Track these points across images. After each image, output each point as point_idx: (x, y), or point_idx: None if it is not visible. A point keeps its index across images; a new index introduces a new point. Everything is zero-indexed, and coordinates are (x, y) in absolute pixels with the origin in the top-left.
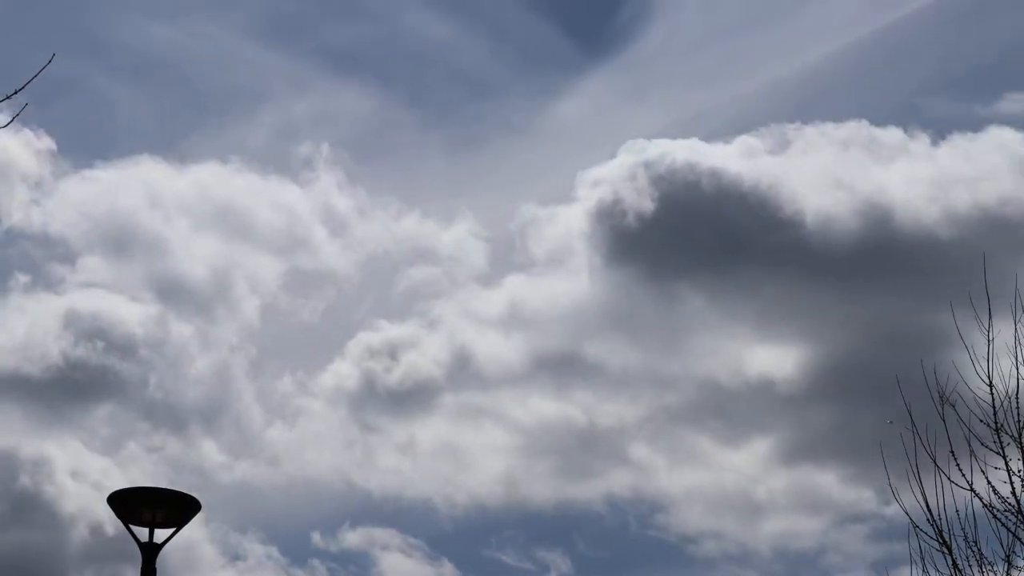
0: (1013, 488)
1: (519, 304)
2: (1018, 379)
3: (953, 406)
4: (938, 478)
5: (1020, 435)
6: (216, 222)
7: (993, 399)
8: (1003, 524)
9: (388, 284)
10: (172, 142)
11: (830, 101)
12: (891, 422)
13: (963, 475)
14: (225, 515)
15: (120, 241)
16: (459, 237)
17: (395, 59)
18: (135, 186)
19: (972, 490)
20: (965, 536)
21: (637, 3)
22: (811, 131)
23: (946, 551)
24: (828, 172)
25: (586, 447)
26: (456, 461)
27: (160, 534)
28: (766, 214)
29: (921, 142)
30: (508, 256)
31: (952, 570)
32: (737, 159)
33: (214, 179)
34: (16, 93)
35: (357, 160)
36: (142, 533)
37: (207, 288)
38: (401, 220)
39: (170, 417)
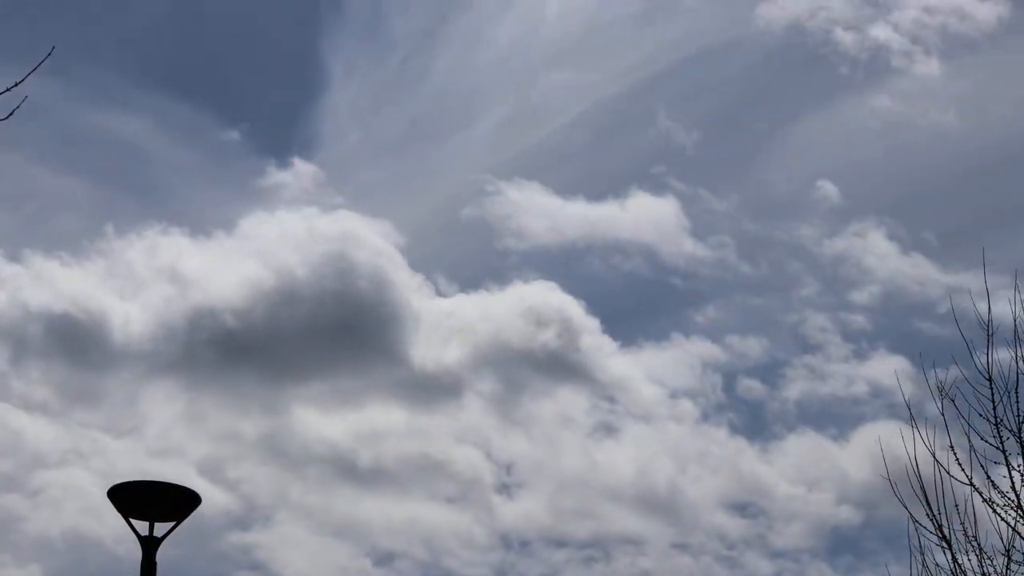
0: (1012, 483)
1: None
2: (1018, 374)
3: (953, 401)
4: (937, 473)
5: (1019, 430)
6: None
7: (992, 394)
8: (1002, 519)
9: None
10: None
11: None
12: None
13: (962, 470)
14: None
15: None
16: None
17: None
18: None
19: (972, 485)
20: (964, 531)
21: (311, 126)
22: None
23: (945, 546)
24: None
25: None
26: None
27: (160, 528)
28: None
29: None
30: None
31: (952, 565)
32: None
33: None
34: (16, 85)
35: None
36: (142, 527)
37: None
38: None
39: None
